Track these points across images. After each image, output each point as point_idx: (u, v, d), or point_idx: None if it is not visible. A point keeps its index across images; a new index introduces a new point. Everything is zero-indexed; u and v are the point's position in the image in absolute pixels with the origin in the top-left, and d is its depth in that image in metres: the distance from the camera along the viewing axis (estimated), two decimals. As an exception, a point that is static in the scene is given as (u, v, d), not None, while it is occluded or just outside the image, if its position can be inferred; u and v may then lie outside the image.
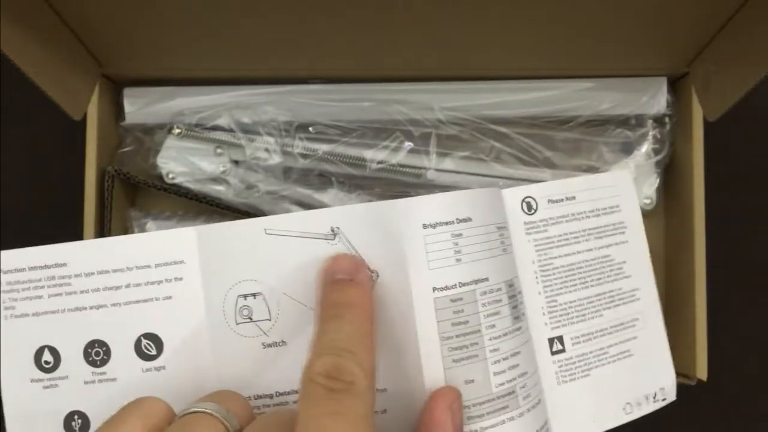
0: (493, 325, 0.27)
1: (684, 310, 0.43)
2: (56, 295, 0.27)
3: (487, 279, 0.27)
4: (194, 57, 0.42)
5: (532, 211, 0.30)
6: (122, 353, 0.27)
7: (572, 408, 0.29)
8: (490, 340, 0.26)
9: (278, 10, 0.37)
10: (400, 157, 0.44)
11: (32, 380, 0.27)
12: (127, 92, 0.44)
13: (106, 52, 0.41)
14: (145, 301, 0.27)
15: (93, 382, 0.27)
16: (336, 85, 0.43)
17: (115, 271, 0.27)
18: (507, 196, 0.30)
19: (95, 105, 0.42)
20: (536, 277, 0.30)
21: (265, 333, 0.27)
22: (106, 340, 0.27)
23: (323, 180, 0.45)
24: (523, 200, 0.30)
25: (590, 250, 0.31)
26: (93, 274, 0.27)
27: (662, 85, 0.43)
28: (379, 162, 0.43)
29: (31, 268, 0.27)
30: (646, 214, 0.45)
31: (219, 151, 0.44)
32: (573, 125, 0.44)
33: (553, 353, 0.29)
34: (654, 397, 0.32)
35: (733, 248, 0.47)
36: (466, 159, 0.44)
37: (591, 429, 0.30)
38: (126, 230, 0.45)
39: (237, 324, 0.27)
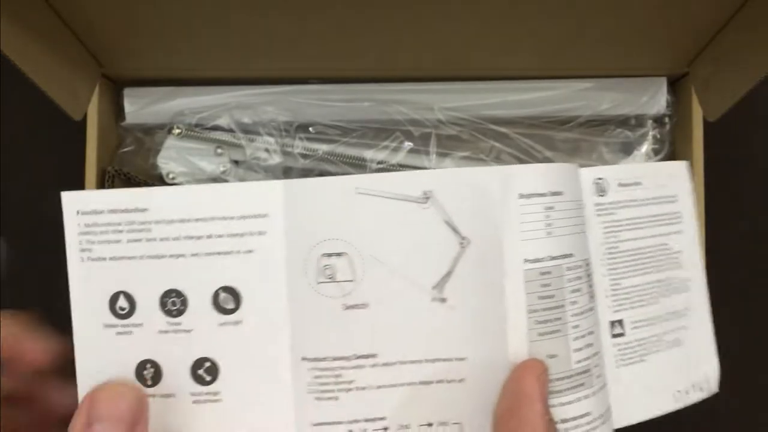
0: (576, 302, 0.27)
1: (684, 310, 0.43)
2: (135, 240, 0.26)
3: (572, 255, 0.27)
4: (194, 57, 0.42)
5: (603, 193, 0.30)
6: (199, 305, 0.27)
7: (627, 392, 0.29)
8: (573, 316, 0.26)
9: (278, 10, 0.37)
10: (400, 157, 0.44)
11: (105, 325, 0.27)
12: (128, 92, 0.44)
13: (106, 52, 0.41)
14: (227, 253, 0.26)
15: (167, 332, 0.27)
16: (336, 85, 0.43)
17: (197, 220, 0.26)
18: (583, 175, 0.29)
19: (95, 105, 0.42)
20: (603, 259, 0.29)
21: (347, 294, 0.26)
22: (183, 290, 0.27)
23: (323, 180, 0.45)
24: (594, 181, 0.29)
25: (653, 236, 0.30)
26: (174, 221, 0.26)
27: (662, 85, 0.43)
28: (379, 162, 0.43)
29: (111, 211, 0.26)
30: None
31: (219, 151, 0.44)
32: (573, 125, 0.44)
33: (613, 336, 0.29)
34: (700, 388, 0.32)
35: (733, 248, 0.47)
36: (466, 159, 0.44)
37: (643, 414, 0.30)
38: (126, 230, 0.45)
39: (318, 283, 0.26)
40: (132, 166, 0.44)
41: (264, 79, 0.43)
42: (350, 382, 0.26)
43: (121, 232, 0.26)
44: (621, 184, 0.30)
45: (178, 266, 0.26)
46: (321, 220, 0.26)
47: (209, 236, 0.26)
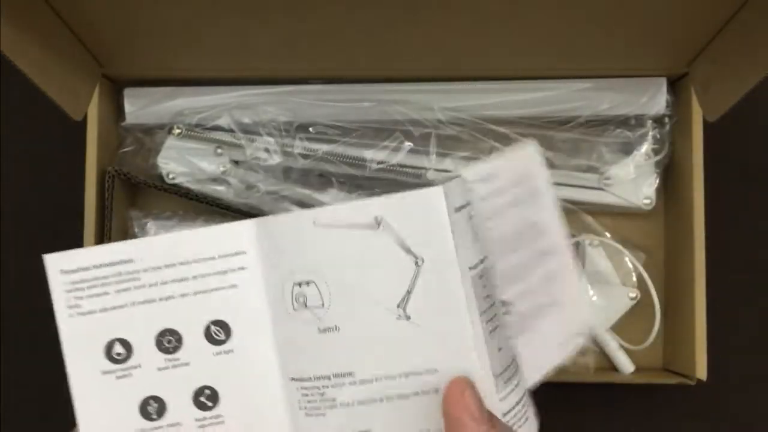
0: (496, 296, 0.29)
1: (684, 310, 0.43)
2: (124, 290, 0.28)
3: (486, 256, 0.29)
4: (195, 57, 0.42)
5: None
6: (193, 340, 0.29)
7: (523, 359, 0.31)
8: (501, 311, 0.29)
9: (278, 10, 0.37)
10: (400, 157, 0.44)
11: (104, 372, 0.28)
12: (128, 92, 0.44)
13: (106, 52, 0.41)
14: (213, 290, 0.29)
15: (167, 368, 0.29)
16: (336, 85, 0.43)
17: (181, 264, 0.28)
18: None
19: (95, 105, 0.42)
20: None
21: (320, 318, 0.28)
22: (177, 328, 0.29)
23: (323, 180, 0.45)
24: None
25: (514, 217, 0.32)
26: (161, 267, 0.28)
27: (662, 85, 0.43)
28: (379, 162, 0.43)
29: (96, 267, 0.28)
30: (646, 214, 0.45)
31: (219, 151, 0.44)
32: (573, 125, 0.44)
33: (503, 314, 0.30)
34: (578, 334, 0.34)
35: (733, 248, 0.47)
36: (466, 159, 0.44)
37: (537, 375, 0.31)
38: (126, 230, 0.45)
39: (294, 310, 0.28)
40: (132, 167, 0.44)
41: (264, 79, 0.43)
42: (333, 399, 0.28)
43: (108, 284, 0.28)
44: (480, 181, 0.31)
45: (170, 307, 0.28)
46: (288, 253, 0.28)
47: (195, 277, 0.28)
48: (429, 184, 0.44)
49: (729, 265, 0.46)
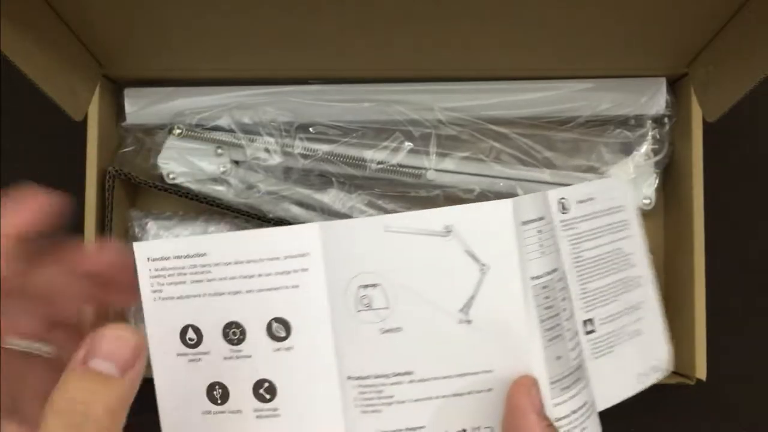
0: (565, 308, 0.31)
1: (684, 310, 0.43)
2: (198, 281, 0.30)
3: (557, 269, 0.31)
4: (195, 57, 0.42)
5: (566, 210, 0.33)
6: (256, 334, 0.30)
7: (601, 380, 0.33)
8: (565, 321, 0.31)
9: (278, 10, 0.37)
10: (400, 158, 0.44)
11: (178, 354, 0.30)
12: (128, 93, 0.44)
13: (106, 53, 0.41)
14: (276, 289, 0.30)
15: (231, 357, 0.30)
16: (336, 86, 0.43)
17: (248, 261, 0.30)
18: (550, 197, 0.33)
19: (96, 105, 0.42)
20: (572, 267, 0.33)
21: (383, 320, 0.30)
22: (242, 322, 0.30)
23: (324, 180, 0.45)
24: (558, 201, 0.33)
25: (609, 243, 0.34)
26: (230, 263, 0.30)
27: (661, 85, 0.43)
28: (379, 162, 0.43)
29: (176, 257, 0.30)
30: (646, 214, 0.45)
31: (219, 151, 0.44)
32: (572, 125, 0.44)
33: (587, 333, 0.33)
34: (658, 369, 0.36)
35: (732, 248, 0.47)
36: (465, 159, 0.44)
37: (616, 398, 0.33)
38: (127, 230, 0.45)
39: (357, 311, 0.30)
40: (132, 167, 0.44)
41: (264, 79, 0.43)
42: (390, 396, 0.30)
43: (185, 274, 0.30)
44: (579, 201, 0.33)
45: (236, 302, 0.30)
46: (355, 257, 0.30)
47: (260, 275, 0.30)
48: (429, 183, 0.44)
49: (729, 265, 0.46)
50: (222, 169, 0.44)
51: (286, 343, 0.30)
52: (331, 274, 0.30)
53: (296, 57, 0.41)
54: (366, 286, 0.30)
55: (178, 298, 0.30)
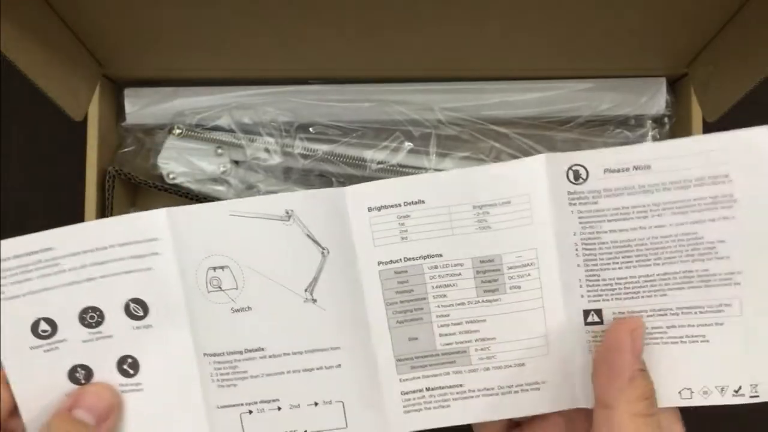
0: (444, 295, 0.31)
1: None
2: (46, 275, 0.31)
3: (440, 255, 0.31)
4: (195, 57, 0.42)
5: (580, 180, 0.29)
6: (115, 315, 0.32)
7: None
8: (439, 307, 0.31)
9: (278, 10, 0.37)
10: (400, 158, 0.44)
11: (31, 347, 0.32)
12: (128, 92, 0.44)
13: (106, 52, 0.41)
14: (129, 272, 0.31)
15: (91, 340, 0.32)
16: (336, 86, 0.43)
17: (98, 249, 0.31)
18: (548, 162, 0.29)
19: (96, 105, 0.42)
20: (576, 250, 0.29)
21: (233, 300, 0.32)
22: (99, 305, 0.32)
23: (323, 180, 0.45)
24: (569, 168, 0.29)
25: (662, 226, 0.28)
26: (79, 253, 0.31)
27: (661, 85, 0.43)
28: (379, 162, 0.43)
29: (16, 256, 0.31)
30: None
31: (219, 151, 0.44)
32: (573, 125, 0.44)
33: (587, 323, 0.31)
34: (737, 391, 0.30)
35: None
36: (465, 159, 0.44)
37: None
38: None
39: (209, 292, 0.32)
40: (132, 167, 0.44)
41: (264, 79, 0.43)
42: (245, 372, 0.32)
43: (30, 271, 0.31)
44: (609, 170, 0.28)
45: (91, 287, 0.31)
46: (203, 240, 0.31)
47: (113, 260, 0.31)
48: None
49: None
50: (222, 169, 0.44)
51: (145, 321, 0.32)
52: (182, 256, 0.31)
53: (296, 57, 0.41)
54: (215, 268, 0.31)
55: (24, 295, 0.31)
